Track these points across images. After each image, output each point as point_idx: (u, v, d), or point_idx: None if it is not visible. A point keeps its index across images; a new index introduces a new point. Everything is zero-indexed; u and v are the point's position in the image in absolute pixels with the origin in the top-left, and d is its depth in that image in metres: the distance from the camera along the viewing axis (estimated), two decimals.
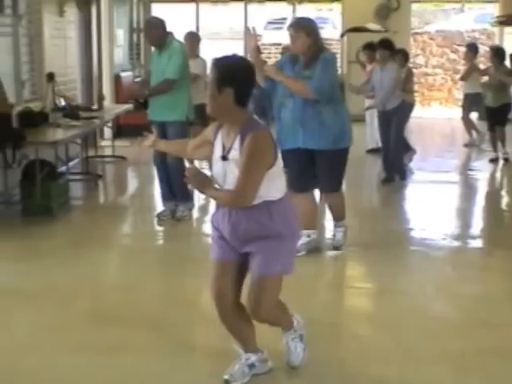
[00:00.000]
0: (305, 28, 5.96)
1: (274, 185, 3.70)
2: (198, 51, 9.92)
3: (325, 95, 5.90)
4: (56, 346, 4.54)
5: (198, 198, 8.04)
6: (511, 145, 11.13)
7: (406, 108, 9.58)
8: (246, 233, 3.71)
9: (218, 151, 3.74)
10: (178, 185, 7.36)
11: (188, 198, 7.63)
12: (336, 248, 6.51)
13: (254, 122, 3.69)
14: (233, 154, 3.66)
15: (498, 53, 11.32)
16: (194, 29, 16.19)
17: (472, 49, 12.79)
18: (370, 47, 11.26)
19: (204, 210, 8.07)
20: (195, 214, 7.84)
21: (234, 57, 3.80)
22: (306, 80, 5.86)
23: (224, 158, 3.68)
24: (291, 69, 6.04)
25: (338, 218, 6.56)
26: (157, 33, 7.37)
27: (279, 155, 3.73)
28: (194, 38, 9.71)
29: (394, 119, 9.35)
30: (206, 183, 3.70)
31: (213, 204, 7.84)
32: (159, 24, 7.43)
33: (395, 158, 9.44)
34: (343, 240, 6.53)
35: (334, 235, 6.57)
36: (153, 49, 7.78)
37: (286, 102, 6.04)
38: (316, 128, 5.97)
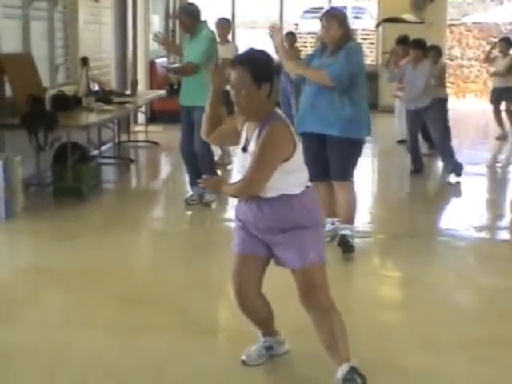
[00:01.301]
0: (337, 18, 5.93)
1: (293, 178, 3.67)
2: (229, 37, 10.04)
3: (343, 83, 5.82)
4: (84, 324, 4.67)
5: None
6: None
7: (438, 103, 9.50)
8: (268, 226, 3.70)
9: (241, 143, 3.77)
10: (205, 171, 7.38)
11: None
12: (346, 250, 6.09)
13: (275, 115, 3.67)
14: (251, 145, 3.67)
15: None
16: (229, 17, 16.31)
17: (508, 42, 12.68)
18: (404, 41, 11.21)
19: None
20: (222, 198, 7.85)
21: (259, 51, 3.77)
22: (326, 67, 5.83)
23: (244, 149, 3.71)
24: (320, 58, 6.07)
25: (347, 219, 6.15)
26: (189, 20, 7.45)
27: (299, 149, 3.70)
28: (224, 24, 9.80)
29: (428, 116, 9.28)
30: (216, 184, 3.90)
31: None
32: (193, 11, 7.51)
33: (444, 153, 9.37)
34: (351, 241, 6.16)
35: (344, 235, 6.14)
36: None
37: (304, 87, 6.11)
38: (326, 113, 5.90)
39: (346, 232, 6.11)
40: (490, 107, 12.79)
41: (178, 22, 14.94)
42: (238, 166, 3.82)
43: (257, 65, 3.62)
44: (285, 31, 13.54)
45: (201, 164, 7.47)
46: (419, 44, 9.46)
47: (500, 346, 4.46)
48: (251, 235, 3.80)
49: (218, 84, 3.84)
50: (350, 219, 6.16)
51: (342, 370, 3.63)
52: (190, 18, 7.46)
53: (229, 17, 16.09)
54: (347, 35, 5.97)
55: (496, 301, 5.29)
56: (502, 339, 4.55)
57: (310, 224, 3.72)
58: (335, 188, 6.13)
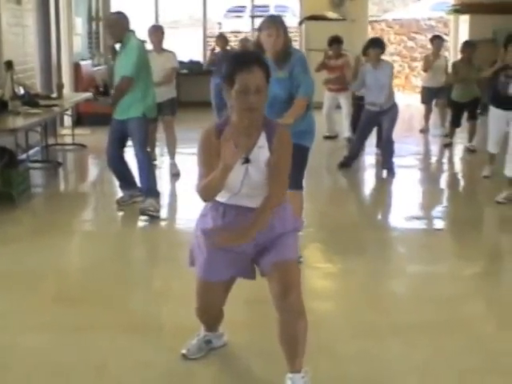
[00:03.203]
0: (283, 25, 5.68)
1: None
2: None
3: (312, 98, 5.71)
4: (24, 327, 4.67)
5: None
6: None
7: (396, 104, 9.61)
8: (260, 236, 3.60)
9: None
10: (144, 180, 7.40)
11: (156, 194, 7.42)
12: None
13: (269, 118, 3.61)
14: (257, 152, 3.50)
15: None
16: (153, 17, 16.30)
17: (441, 40, 12.87)
18: (337, 41, 11.36)
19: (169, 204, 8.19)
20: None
21: (251, 50, 3.71)
22: (282, 82, 5.48)
23: (247, 160, 3.48)
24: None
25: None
26: (117, 30, 7.25)
27: None
28: (159, 31, 9.42)
29: (387, 117, 9.35)
30: (243, 234, 3.57)
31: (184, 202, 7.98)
32: (118, 20, 7.30)
33: (389, 154, 9.50)
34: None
35: None
36: None
37: None
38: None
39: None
40: (412, 101, 13.04)
41: (101, 24, 14.97)
42: (234, 182, 3.51)
43: (263, 62, 3.51)
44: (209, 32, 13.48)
45: (142, 170, 7.39)
46: (379, 43, 9.56)
47: (431, 330, 4.61)
48: (227, 256, 3.67)
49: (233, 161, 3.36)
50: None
51: (293, 382, 3.66)
52: (118, 28, 7.24)
53: (152, 16, 16.17)
54: (290, 42, 5.79)
55: (427, 287, 5.46)
56: (434, 324, 4.71)
57: (293, 228, 3.75)
58: (290, 197, 6.13)
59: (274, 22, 5.66)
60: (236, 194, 3.54)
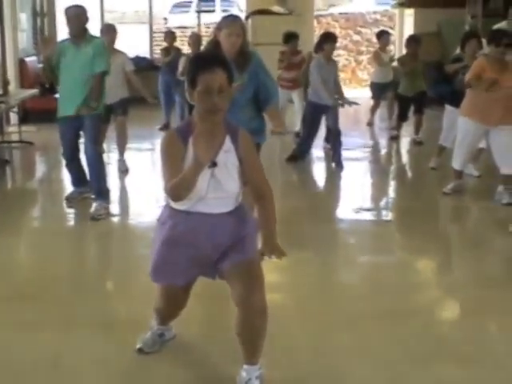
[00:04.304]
0: (243, 26, 5.65)
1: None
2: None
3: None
4: None
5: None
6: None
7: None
8: (225, 239, 3.63)
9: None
10: (94, 178, 7.31)
11: (105, 195, 7.34)
12: None
13: (229, 121, 3.61)
14: (223, 156, 3.50)
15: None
16: (98, 12, 16.14)
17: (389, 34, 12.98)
18: (294, 37, 11.33)
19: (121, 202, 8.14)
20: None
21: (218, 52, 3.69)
22: (245, 87, 5.42)
23: (214, 164, 3.43)
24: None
25: None
26: (82, 23, 7.08)
27: None
28: (112, 31, 9.17)
29: (334, 110, 9.41)
30: (274, 248, 3.57)
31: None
32: (83, 14, 7.11)
33: (337, 144, 9.53)
34: None
35: None
36: (62, 39, 7.56)
37: None
38: (246, 124, 5.13)
39: None
40: (358, 94, 13.12)
41: (46, 19, 14.80)
42: (202, 185, 3.45)
43: (229, 65, 3.52)
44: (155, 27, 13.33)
45: (93, 168, 7.27)
46: (335, 38, 9.66)
47: (383, 319, 4.69)
48: (188, 259, 3.67)
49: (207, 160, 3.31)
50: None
51: (249, 374, 3.70)
52: (81, 22, 7.07)
53: (98, 11, 16.02)
54: (248, 43, 5.76)
55: (378, 277, 5.55)
56: (385, 313, 4.78)
57: (253, 228, 3.76)
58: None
59: (236, 21, 5.61)
60: (203, 197, 3.51)
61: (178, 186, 3.37)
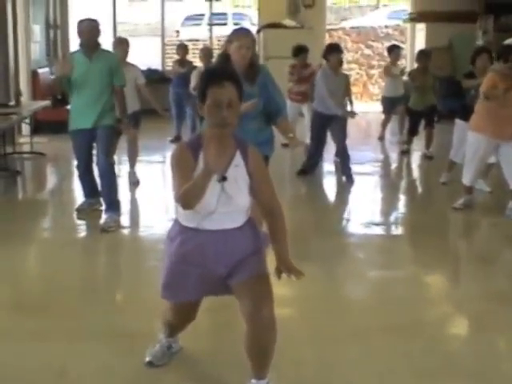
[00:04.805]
0: (254, 38, 5.67)
1: None
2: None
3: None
4: None
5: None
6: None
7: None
8: (236, 256, 3.62)
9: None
10: (106, 189, 7.34)
11: (116, 206, 7.35)
12: None
13: (238, 136, 3.62)
14: (234, 171, 3.50)
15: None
16: (111, 25, 16.23)
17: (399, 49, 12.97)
18: (304, 50, 11.31)
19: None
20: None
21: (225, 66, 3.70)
22: (251, 98, 5.26)
23: (224, 178, 3.39)
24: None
25: None
26: (95, 36, 7.17)
27: None
28: (125, 44, 9.18)
29: (340, 122, 9.43)
30: (291, 267, 3.60)
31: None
32: (97, 27, 7.22)
33: (345, 157, 9.55)
34: None
35: None
36: (74, 50, 7.63)
37: None
38: (255, 136, 5.37)
39: None
40: (370, 108, 13.12)
41: (59, 31, 14.89)
42: (212, 199, 3.46)
43: (239, 80, 3.53)
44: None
45: (105, 180, 7.31)
46: (340, 48, 9.68)
47: (390, 334, 4.68)
48: (197, 277, 3.66)
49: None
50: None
51: None
52: (96, 35, 7.17)
53: (110, 24, 16.11)
54: (257, 56, 5.80)
55: (385, 292, 5.54)
56: (392, 327, 4.77)
57: (264, 244, 3.77)
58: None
59: (247, 34, 5.64)
60: (212, 212, 3.50)
61: (188, 193, 3.36)
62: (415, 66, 11.73)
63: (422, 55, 11.40)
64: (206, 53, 11.59)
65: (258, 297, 3.55)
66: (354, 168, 9.56)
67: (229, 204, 3.52)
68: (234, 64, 5.46)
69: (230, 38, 5.59)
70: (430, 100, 11.03)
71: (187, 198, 3.39)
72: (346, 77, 10.03)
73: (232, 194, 3.50)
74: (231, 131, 3.51)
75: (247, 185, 3.58)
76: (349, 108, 9.85)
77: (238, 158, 3.55)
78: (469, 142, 7.75)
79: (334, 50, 9.50)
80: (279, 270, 3.60)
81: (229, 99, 3.41)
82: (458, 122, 8.58)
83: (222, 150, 3.47)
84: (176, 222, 3.74)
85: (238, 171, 3.53)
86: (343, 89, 9.53)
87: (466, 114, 8.05)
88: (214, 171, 3.29)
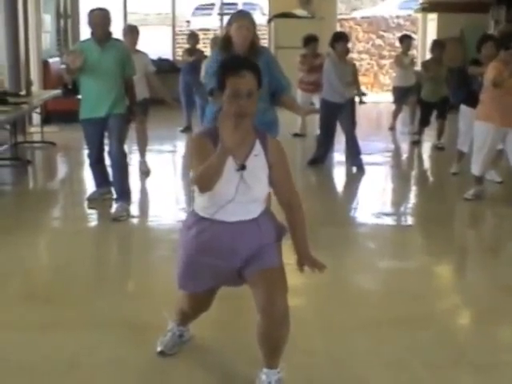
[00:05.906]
0: (253, 21, 5.68)
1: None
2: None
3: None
4: None
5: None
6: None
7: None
8: (252, 245, 3.60)
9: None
10: (117, 178, 7.33)
11: (127, 195, 7.38)
12: None
13: (257, 126, 3.62)
14: (253, 160, 3.50)
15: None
16: (121, 14, 16.23)
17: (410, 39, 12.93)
18: (314, 40, 11.31)
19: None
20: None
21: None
22: None
23: (243, 167, 3.45)
24: None
25: None
26: (106, 26, 7.17)
27: None
28: (135, 32, 9.22)
29: (348, 109, 9.46)
30: (315, 262, 3.66)
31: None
32: (109, 17, 7.24)
33: (354, 146, 9.57)
34: None
35: None
36: (84, 39, 7.64)
37: None
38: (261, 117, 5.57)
39: None
40: (381, 99, 13.07)
41: (70, 21, 14.89)
42: (231, 188, 3.46)
43: (256, 67, 3.50)
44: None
45: (117, 170, 7.31)
46: (346, 36, 9.69)
47: (400, 325, 4.66)
48: (211, 269, 3.66)
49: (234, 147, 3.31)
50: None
51: (268, 377, 3.68)
52: (108, 24, 7.19)
53: (120, 13, 16.11)
54: (258, 40, 5.80)
55: (397, 283, 5.52)
56: (401, 319, 4.75)
57: (278, 236, 3.74)
58: None
59: (246, 15, 5.75)
60: (230, 201, 3.48)
61: (204, 173, 3.35)
62: (427, 56, 11.68)
63: (437, 45, 11.32)
64: (217, 42, 11.54)
65: (272, 290, 3.54)
66: (365, 158, 9.54)
67: (247, 194, 3.50)
68: (236, 46, 5.52)
69: (230, 21, 5.66)
70: (443, 91, 10.95)
71: (203, 178, 3.38)
72: (354, 65, 10.04)
73: (251, 183, 3.49)
74: (250, 121, 3.49)
75: (266, 175, 3.56)
76: (357, 98, 9.85)
77: (258, 148, 3.54)
78: (476, 131, 7.73)
79: (340, 39, 9.50)
80: (301, 263, 3.61)
81: (248, 89, 3.39)
82: (464, 108, 8.55)
83: (242, 138, 3.40)
84: (193, 211, 3.73)
85: (257, 161, 3.52)
86: (350, 77, 9.51)
87: (472, 100, 8.02)
88: (231, 150, 3.28)
